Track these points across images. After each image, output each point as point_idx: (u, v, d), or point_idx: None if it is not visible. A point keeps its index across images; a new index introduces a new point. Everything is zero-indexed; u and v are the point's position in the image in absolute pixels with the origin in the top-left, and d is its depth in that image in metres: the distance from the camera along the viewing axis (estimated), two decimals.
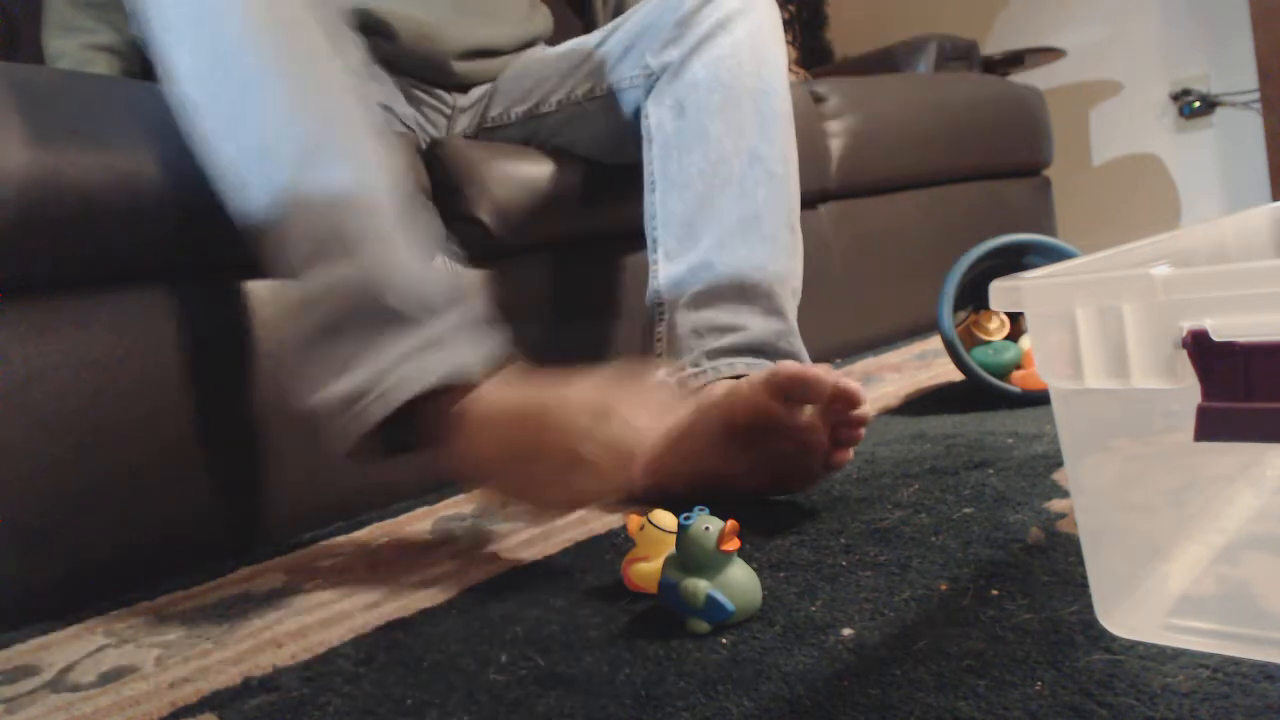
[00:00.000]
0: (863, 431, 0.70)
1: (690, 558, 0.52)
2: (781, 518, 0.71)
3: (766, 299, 0.83)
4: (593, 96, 1.00)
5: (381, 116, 0.74)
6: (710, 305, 0.83)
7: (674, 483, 0.75)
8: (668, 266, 0.86)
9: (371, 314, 0.65)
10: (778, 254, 0.85)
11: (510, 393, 0.64)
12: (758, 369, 0.77)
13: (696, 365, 0.81)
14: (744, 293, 0.83)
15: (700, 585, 0.51)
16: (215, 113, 0.67)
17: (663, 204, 0.88)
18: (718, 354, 0.81)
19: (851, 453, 0.70)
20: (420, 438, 0.67)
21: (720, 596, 0.51)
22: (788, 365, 0.68)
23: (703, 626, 0.52)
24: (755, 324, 0.82)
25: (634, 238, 1.20)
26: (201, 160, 0.69)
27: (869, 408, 0.69)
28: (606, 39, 0.99)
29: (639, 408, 0.59)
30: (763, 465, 0.71)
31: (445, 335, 0.66)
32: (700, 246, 0.85)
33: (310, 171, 0.65)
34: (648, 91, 0.94)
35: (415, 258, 0.68)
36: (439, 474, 0.76)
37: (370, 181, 0.68)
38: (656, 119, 0.91)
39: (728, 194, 0.85)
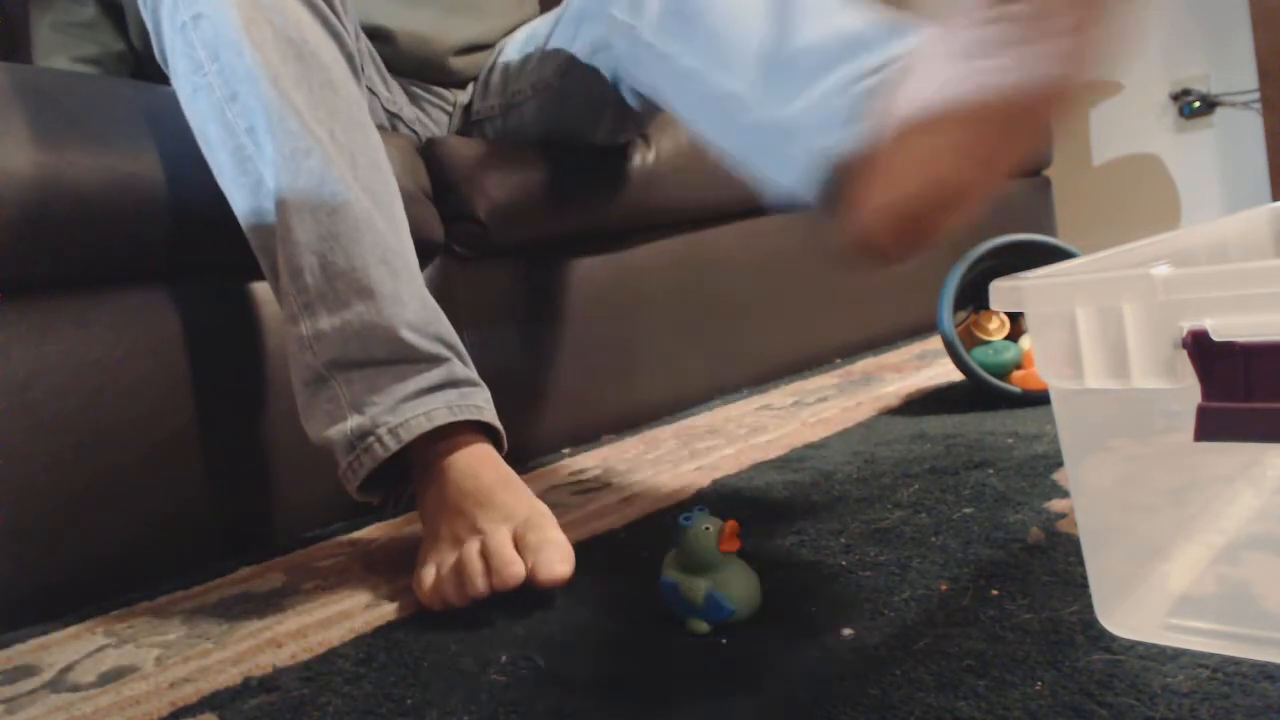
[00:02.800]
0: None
1: (690, 557, 0.52)
2: (781, 518, 0.71)
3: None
4: (561, 73, 0.97)
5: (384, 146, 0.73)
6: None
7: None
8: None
9: (385, 354, 0.67)
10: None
11: (471, 465, 0.66)
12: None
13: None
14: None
15: (700, 584, 0.51)
16: (228, 146, 0.68)
17: (716, 81, 0.71)
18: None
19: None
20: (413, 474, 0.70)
21: (720, 596, 0.51)
22: None
23: (702, 626, 0.52)
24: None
25: (633, 234, 1.21)
26: (222, 193, 0.71)
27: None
28: (563, 14, 0.95)
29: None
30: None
31: (455, 376, 0.69)
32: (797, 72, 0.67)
33: (326, 194, 0.66)
34: (611, 50, 0.85)
35: (424, 292, 0.70)
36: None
37: (383, 211, 0.70)
38: (628, 51, 0.81)
39: (755, 28, 0.69)
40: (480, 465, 0.66)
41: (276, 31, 0.68)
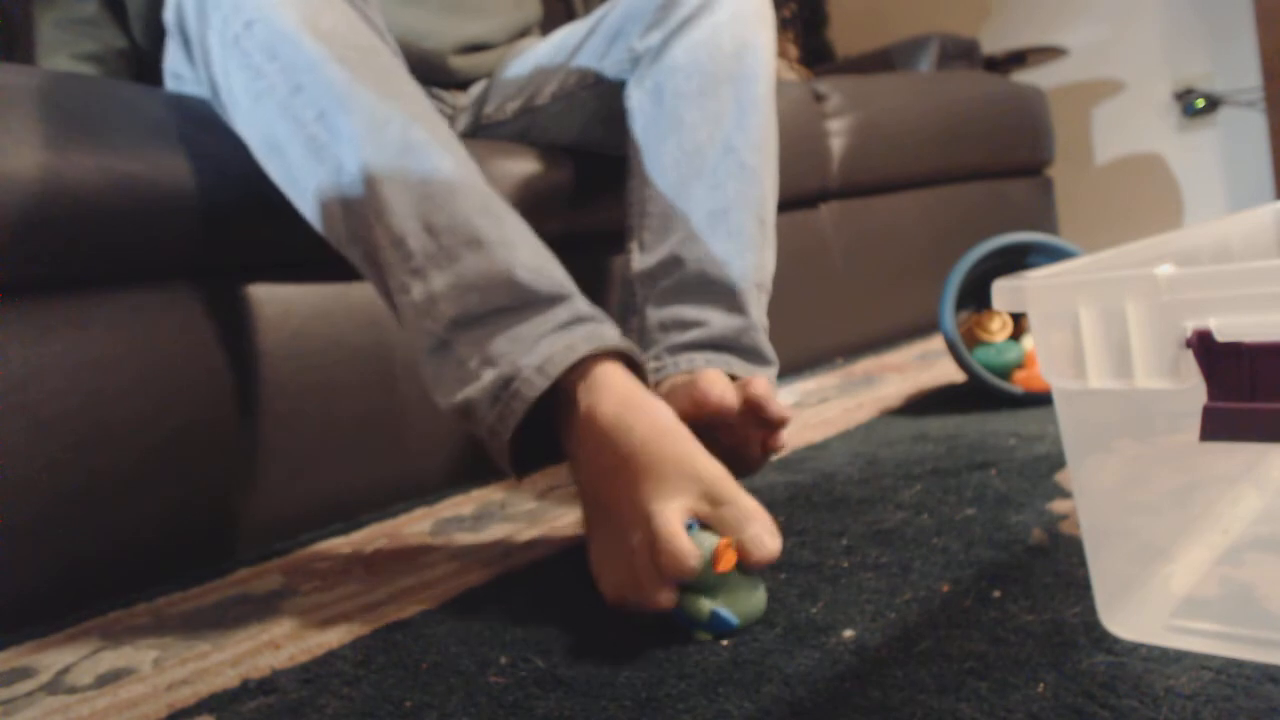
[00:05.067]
0: (783, 435, 0.75)
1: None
2: (782, 519, 0.71)
3: (729, 295, 0.84)
4: (585, 85, 0.99)
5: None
6: (676, 300, 0.84)
7: None
8: (640, 258, 0.86)
9: (506, 301, 0.64)
10: (743, 249, 0.85)
11: (628, 408, 0.60)
12: (716, 364, 0.81)
13: (659, 359, 0.82)
14: (708, 288, 0.84)
15: (703, 604, 0.51)
16: (300, 139, 0.68)
17: (639, 193, 0.88)
18: (679, 349, 0.82)
19: (783, 437, 0.74)
20: (557, 430, 0.65)
21: (723, 613, 0.51)
22: (758, 386, 0.72)
23: (707, 637, 0.52)
24: (716, 320, 0.83)
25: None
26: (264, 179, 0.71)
27: (784, 437, 0.74)
28: (596, 26, 0.98)
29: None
30: (715, 440, 0.74)
31: (581, 312, 0.66)
32: (671, 240, 0.85)
33: (413, 158, 0.65)
34: (633, 75, 0.93)
35: (534, 237, 0.68)
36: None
37: (471, 170, 0.68)
38: (637, 103, 0.90)
39: (699, 186, 0.85)
40: (634, 414, 0.59)
41: (333, 23, 0.68)
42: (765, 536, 0.53)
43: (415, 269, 0.64)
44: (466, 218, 0.65)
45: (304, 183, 0.69)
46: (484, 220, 0.65)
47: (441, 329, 0.64)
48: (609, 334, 0.65)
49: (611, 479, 0.57)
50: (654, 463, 0.56)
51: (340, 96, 0.66)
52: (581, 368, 0.62)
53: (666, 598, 0.52)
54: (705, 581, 0.51)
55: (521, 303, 0.64)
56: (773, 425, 0.72)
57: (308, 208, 0.70)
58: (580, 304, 0.66)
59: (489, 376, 0.62)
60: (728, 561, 0.51)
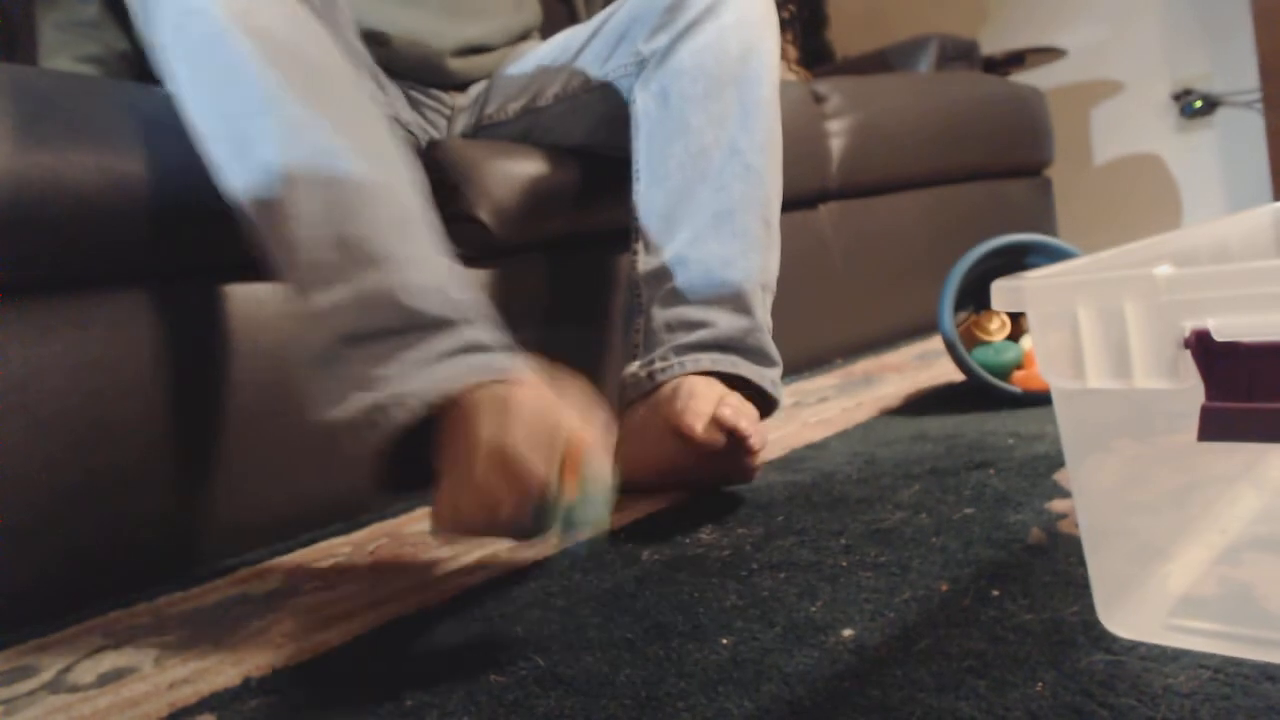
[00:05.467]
0: (754, 459, 0.77)
1: None
2: (782, 518, 0.71)
3: (735, 296, 0.84)
4: (589, 88, 1.00)
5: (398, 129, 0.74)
6: (681, 301, 0.85)
7: (638, 475, 0.80)
8: (646, 260, 0.87)
9: (397, 323, 0.61)
10: (749, 250, 0.86)
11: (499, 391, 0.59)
12: (722, 364, 0.82)
13: (665, 360, 0.83)
14: (713, 289, 0.85)
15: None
16: (225, 136, 0.66)
17: (644, 195, 0.89)
18: (685, 349, 0.83)
19: (757, 453, 0.76)
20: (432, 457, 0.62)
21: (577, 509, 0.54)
22: (725, 414, 0.73)
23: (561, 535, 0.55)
24: (723, 321, 0.84)
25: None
26: (208, 170, 0.68)
27: (758, 442, 0.75)
28: (600, 28, 0.99)
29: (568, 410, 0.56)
30: (705, 459, 0.75)
31: (473, 340, 0.63)
32: (676, 241, 0.86)
33: (328, 166, 0.64)
34: (639, 78, 0.94)
35: (440, 257, 0.66)
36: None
37: (395, 180, 0.67)
38: (642, 106, 0.91)
39: (704, 188, 0.86)
40: (514, 405, 0.57)
41: (269, 20, 0.66)
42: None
43: (314, 280, 0.63)
44: (372, 232, 0.63)
45: (229, 180, 0.67)
46: (390, 236, 0.63)
47: (328, 342, 0.62)
48: (499, 364, 0.62)
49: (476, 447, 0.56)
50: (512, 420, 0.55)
51: (263, 98, 0.64)
52: (460, 397, 0.59)
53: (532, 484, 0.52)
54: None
55: (412, 326, 0.61)
56: (741, 444, 0.74)
57: (234, 198, 0.67)
58: (476, 331, 0.64)
59: (363, 401, 0.60)
60: (572, 464, 0.52)
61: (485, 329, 0.65)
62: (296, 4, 0.69)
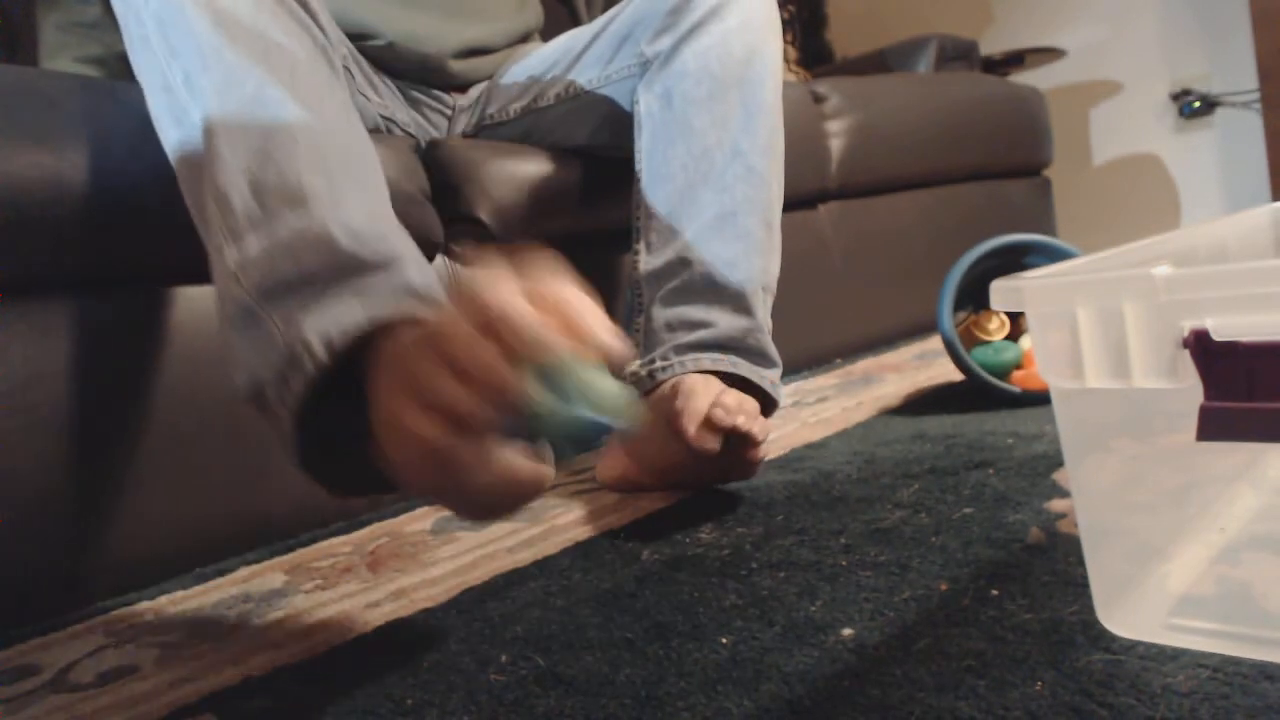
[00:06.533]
0: (758, 452, 0.76)
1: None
2: (781, 517, 0.71)
3: (736, 297, 0.85)
4: (592, 89, 1.00)
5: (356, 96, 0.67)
6: (682, 301, 0.85)
7: (637, 474, 0.82)
8: (647, 259, 0.88)
9: (319, 266, 0.54)
10: (750, 251, 0.86)
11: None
12: (723, 364, 0.82)
13: (665, 359, 0.83)
14: (715, 290, 0.85)
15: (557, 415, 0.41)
16: (168, 107, 0.62)
17: (647, 195, 0.89)
18: (685, 349, 0.83)
19: (761, 451, 0.75)
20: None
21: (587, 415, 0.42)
22: (719, 415, 0.72)
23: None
24: (724, 321, 0.84)
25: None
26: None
27: (760, 432, 0.74)
28: (603, 30, 0.99)
29: None
30: (704, 458, 0.75)
31: (405, 281, 0.55)
32: (678, 242, 0.86)
33: (258, 113, 0.59)
34: (642, 79, 0.94)
35: (376, 204, 0.60)
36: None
37: (333, 125, 0.62)
38: (646, 107, 0.91)
39: (707, 189, 0.86)
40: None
41: (229, 4, 0.62)
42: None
43: (232, 229, 0.56)
44: (298, 173, 0.56)
45: (171, 153, 0.63)
46: (316, 176, 0.57)
47: (249, 297, 0.54)
48: (431, 298, 0.54)
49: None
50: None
51: (205, 56, 0.59)
52: (385, 334, 0.49)
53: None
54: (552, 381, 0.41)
55: (337, 269, 0.54)
56: (743, 442, 0.73)
57: (173, 163, 0.63)
58: (409, 271, 0.56)
59: (279, 353, 0.52)
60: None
61: (419, 272, 0.57)
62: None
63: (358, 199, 0.58)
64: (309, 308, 0.53)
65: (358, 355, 0.50)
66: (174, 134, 0.63)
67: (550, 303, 0.44)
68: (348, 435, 0.51)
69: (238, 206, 0.56)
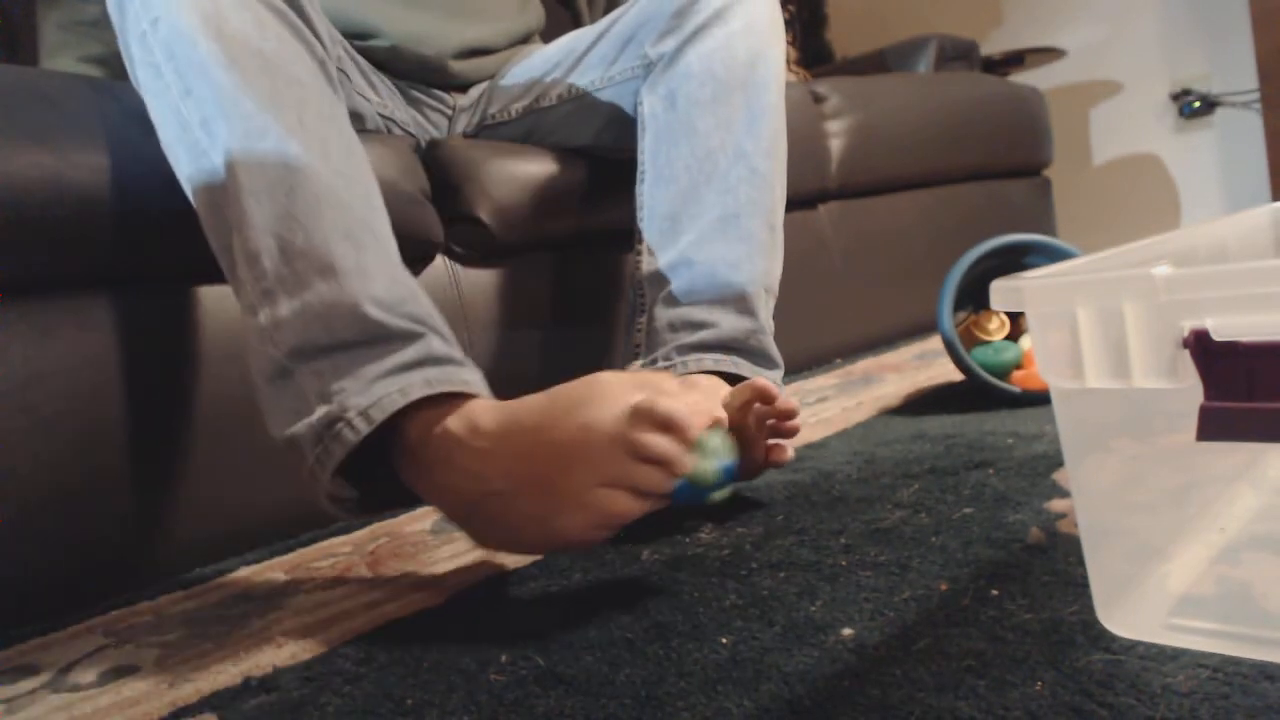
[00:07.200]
0: (797, 431, 0.76)
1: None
2: (781, 517, 0.71)
3: (739, 298, 0.85)
4: (594, 90, 1.00)
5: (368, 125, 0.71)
6: (685, 302, 0.85)
7: None
8: (650, 260, 0.88)
9: (352, 335, 0.61)
10: (754, 253, 0.86)
11: (508, 405, 0.59)
12: (725, 365, 0.82)
13: (668, 359, 0.83)
14: (718, 291, 0.85)
15: (706, 466, 0.56)
16: (184, 142, 0.66)
17: (650, 196, 0.89)
18: (688, 349, 0.83)
19: (791, 450, 0.74)
20: (399, 473, 0.62)
21: (725, 463, 0.57)
22: (759, 382, 0.72)
23: (722, 495, 0.59)
24: (727, 322, 0.84)
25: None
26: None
27: (799, 420, 0.75)
28: (607, 31, 0.99)
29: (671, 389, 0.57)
30: None
31: (431, 352, 0.63)
32: (681, 242, 0.86)
33: (282, 173, 0.63)
34: (645, 81, 0.94)
35: (398, 267, 0.66)
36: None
37: (354, 188, 0.66)
38: (649, 108, 0.91)
39: (710, 190, 0.86)
40: (497, 426, 0.58)
41: (236, 28, 0.65)
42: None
43: (265, 290, 0.62)
44: (325, 240, 0.62)
45: (189, 188, 0.66)
46: (344, 245, 0.62)
47: (283, 356, 0.61)
48: (457, 377, 0.62)
49: (539, 430, 0.56)
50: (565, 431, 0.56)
51: (222, 103, 0.63)
52: (418, 412, 0.60)
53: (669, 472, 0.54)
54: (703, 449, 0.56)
55: (368, 338, 0.61)
56: (781, 415, 0.72)
57: (195, 205, 0.67)
58: (434, 344, 0.63)
59: (319, 414, 0.60)
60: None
61: (442, 342, 0.64)
62: (262, 7, 0.67)
63: (380, 266, 0.64)
64: (343, 372, 0.60)
65: (397, 423, 0.60)
66: (190, 168, 0.66)
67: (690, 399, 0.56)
68: (375, 474, 0.62)
69: (269, 269, 0.62)
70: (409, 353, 0.62)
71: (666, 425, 0.53)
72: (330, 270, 0.61)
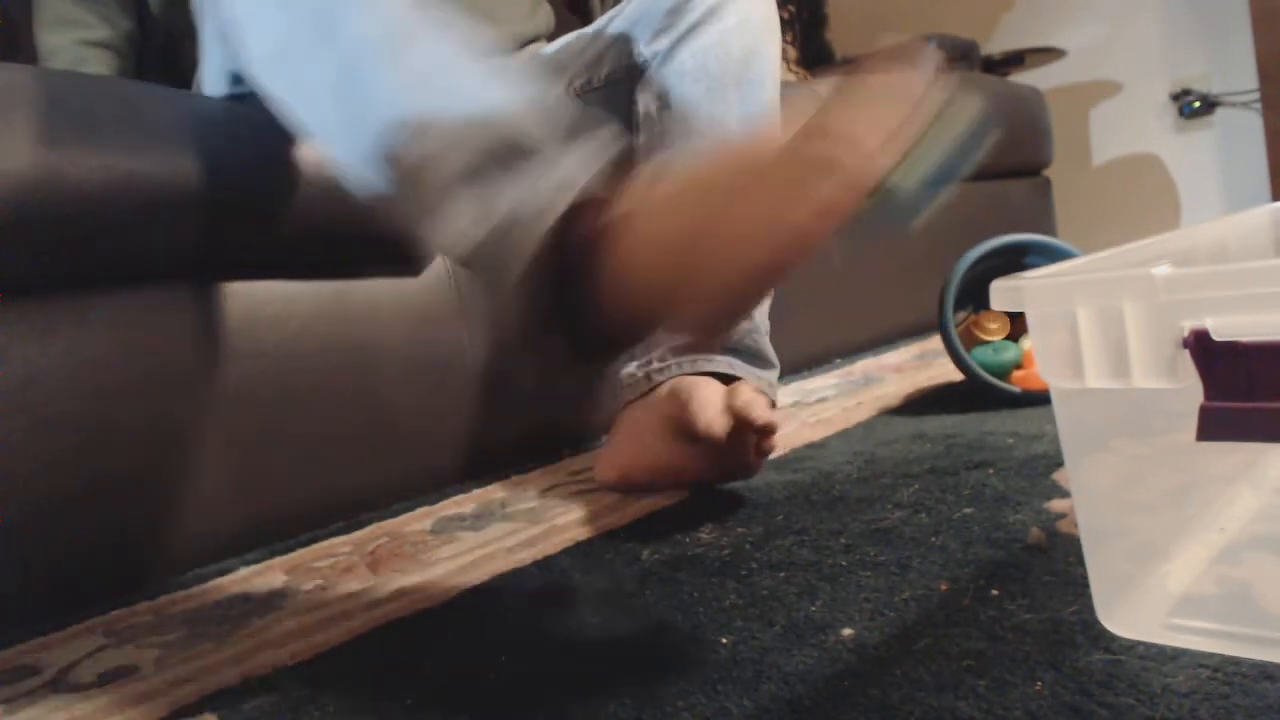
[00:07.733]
0: (774, 437, 0.77)
1: None
2: (781, 517, 0.71)
3: None
4: (590, 89, 1.00)
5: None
6: None
7: (636, 474, 0.82)
8: None
9: (509, 149, 0.56)
10: None
11: (675, 170, 0.54)
12: (719, 364, 0.83)
13: (662, 360, 0.83)
14: None
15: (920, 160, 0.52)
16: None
17: None
18: (682, 349, 0.83)
19: (774, 439, 0.76)
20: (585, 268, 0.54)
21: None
22: (743, 395, 0.72)
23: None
24: None
25: None
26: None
27: (774, 420, 0.74)
28: (601, 31, 0.99)
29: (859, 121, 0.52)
30: (706, 456, 0.76)
31: (598, 147, 0.58)
32: None
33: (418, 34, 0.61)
34: (640, 79, 0.94)
35: (540, 92, 0.61)
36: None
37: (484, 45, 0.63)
38: (644, 108, 0.91)
39: None
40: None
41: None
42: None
43: (411, 140, 0.56)
44: (459, 68, 0.60)
45: (310, 84, 0.61)
46: (476, 71, 0.60)
47: (444, 183, 0.56)
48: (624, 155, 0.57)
49: (710, 182, 0.52)
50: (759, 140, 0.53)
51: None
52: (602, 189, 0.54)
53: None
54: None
55: (539, 145, 0.56)
56: (761, 433, 0.74)
57: (313, 113, 0.62)
58: (603, 134, 0.59)
59: (503, 207, 0.54)
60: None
61: (606, 137, 0.59)
62: None
63: (527, 94, 0.59)
64: (524, 175, 0.55)
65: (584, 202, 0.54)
66: (321, 68, 0.59)
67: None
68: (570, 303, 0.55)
69: (410, 120, 0.56)
70: (575, 152, 0.57)
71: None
72: (474, 98, 0.58)
